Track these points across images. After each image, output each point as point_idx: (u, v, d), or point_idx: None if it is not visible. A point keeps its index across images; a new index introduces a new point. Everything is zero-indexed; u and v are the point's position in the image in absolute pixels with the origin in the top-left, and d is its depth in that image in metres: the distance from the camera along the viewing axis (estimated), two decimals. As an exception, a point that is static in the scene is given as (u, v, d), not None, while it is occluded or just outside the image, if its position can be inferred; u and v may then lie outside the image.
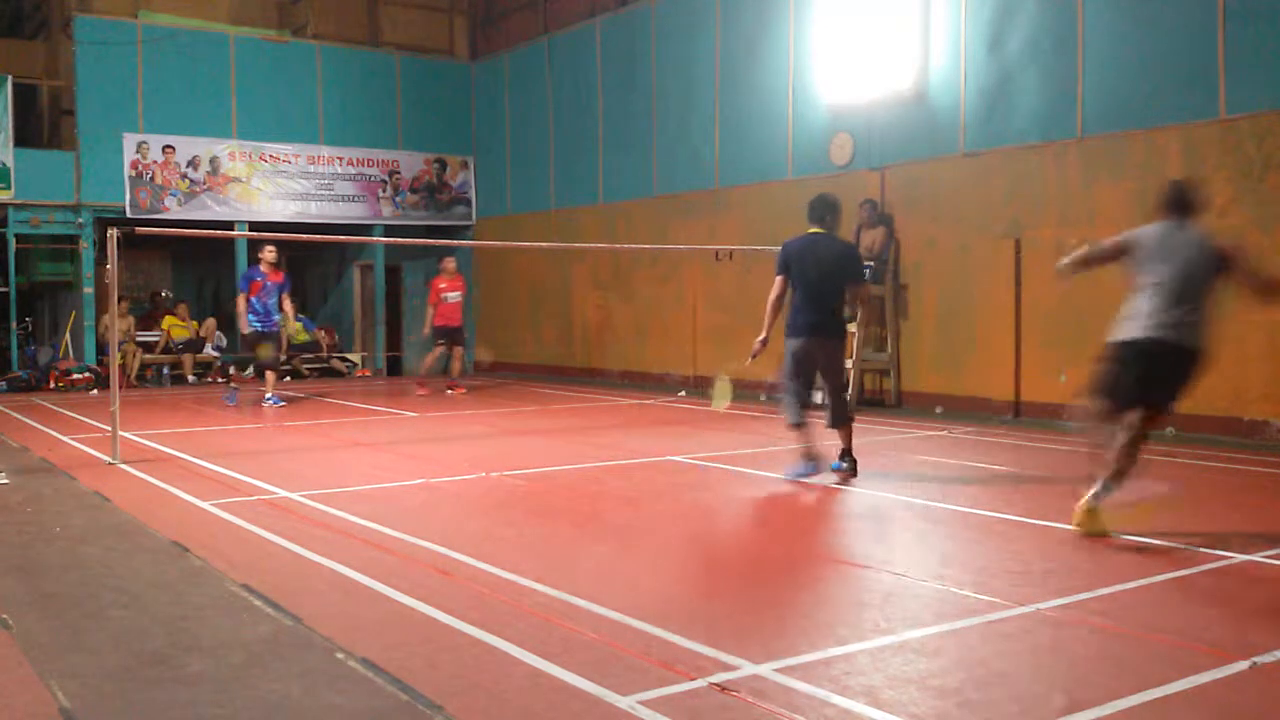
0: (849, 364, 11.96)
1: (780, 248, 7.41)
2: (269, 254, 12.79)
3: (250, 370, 14.69)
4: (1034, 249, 10.77)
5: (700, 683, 3.46)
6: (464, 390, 14.32)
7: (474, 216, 19.13)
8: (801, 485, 7.17)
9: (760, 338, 7.29)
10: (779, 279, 7.26)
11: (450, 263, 14.50)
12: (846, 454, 7.33)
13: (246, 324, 12.70)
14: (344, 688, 3.46)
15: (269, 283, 12.65)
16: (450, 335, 14.50)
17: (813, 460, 7.19)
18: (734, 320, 14.14)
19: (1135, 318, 5.64)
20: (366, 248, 18.48)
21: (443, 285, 14.35)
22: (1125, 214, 10.04)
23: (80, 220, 15.86)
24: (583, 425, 10.97)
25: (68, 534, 5.79)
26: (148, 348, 16.51)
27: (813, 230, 7.40)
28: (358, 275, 19.31)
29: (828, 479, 7.21)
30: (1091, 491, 5.48)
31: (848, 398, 7.48)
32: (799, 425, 7.17)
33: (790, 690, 3.40)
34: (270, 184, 17.20)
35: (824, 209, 7.45)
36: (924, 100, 11.76)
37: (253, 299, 12.61)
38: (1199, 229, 5.76)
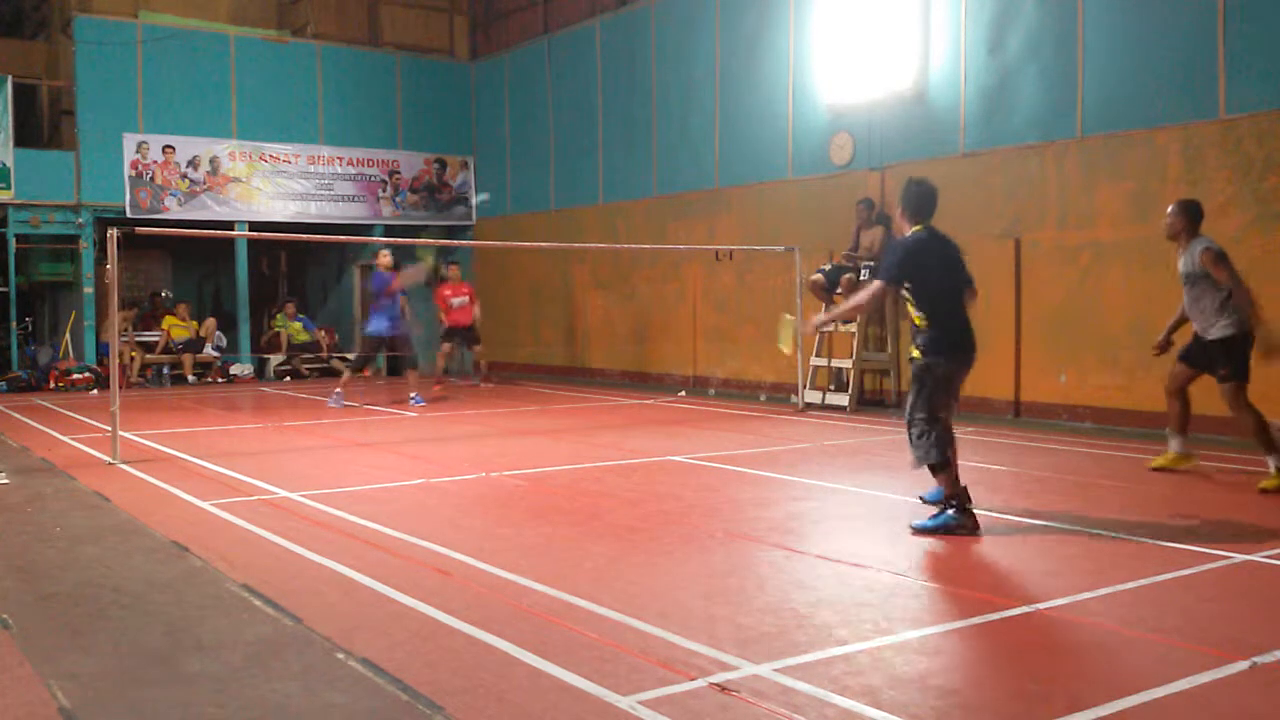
0: (849, 364, 11.99)
1: (897, 248, 6.10)
2: (386, 258, 12.56)
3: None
4: (1034, 249, 10.77)
5: (700, 683, 3.46)
6: (491, 385, 15.40)
7: (474, 216, 19.13)
8: (801, 487, 7.17)
9: (819, 320, 6.83)
10: (880, 285, 6.04)
11: (454, 270, 15.42)
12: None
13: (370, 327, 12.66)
14: (344, 688, 3.46)
15: (395, 287, 12.51)
16: (462, 335, 15.16)
17: (967, 506, 5.74)
18: (734, 320, 14.14)
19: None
20: (366, 248, 18.46)
21: (447, 293, 15.07)
22: (1125, 214, 10.05)
23: (80, 220, 15.86)
24: (583, 425, 10.96)
25: (68, 534, 5.79)
26: (148, 348, 16.52)
27: (923, 227, 6.00)
28: (358, 275, 19.29)
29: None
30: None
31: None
32: (947, 464, 5.77)
33: (790, 690, 3.40)
34: (270, 184, 17.20)
35: (933, 201, 6.04)
36: (924, 100, 11.76)
37: (385, 300, 12.45)
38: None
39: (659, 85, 15.27)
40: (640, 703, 3.28)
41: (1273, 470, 6.92)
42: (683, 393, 14.19)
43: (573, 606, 4.31)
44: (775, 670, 3.57)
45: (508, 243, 18.03)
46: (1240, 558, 5.11)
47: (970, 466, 7.93)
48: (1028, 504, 6.47)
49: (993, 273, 11.08)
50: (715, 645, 3.81)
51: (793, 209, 13.19)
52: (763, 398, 13.28)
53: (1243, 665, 3.61)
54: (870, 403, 12.20)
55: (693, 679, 3.48)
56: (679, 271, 14.98)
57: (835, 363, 12.26)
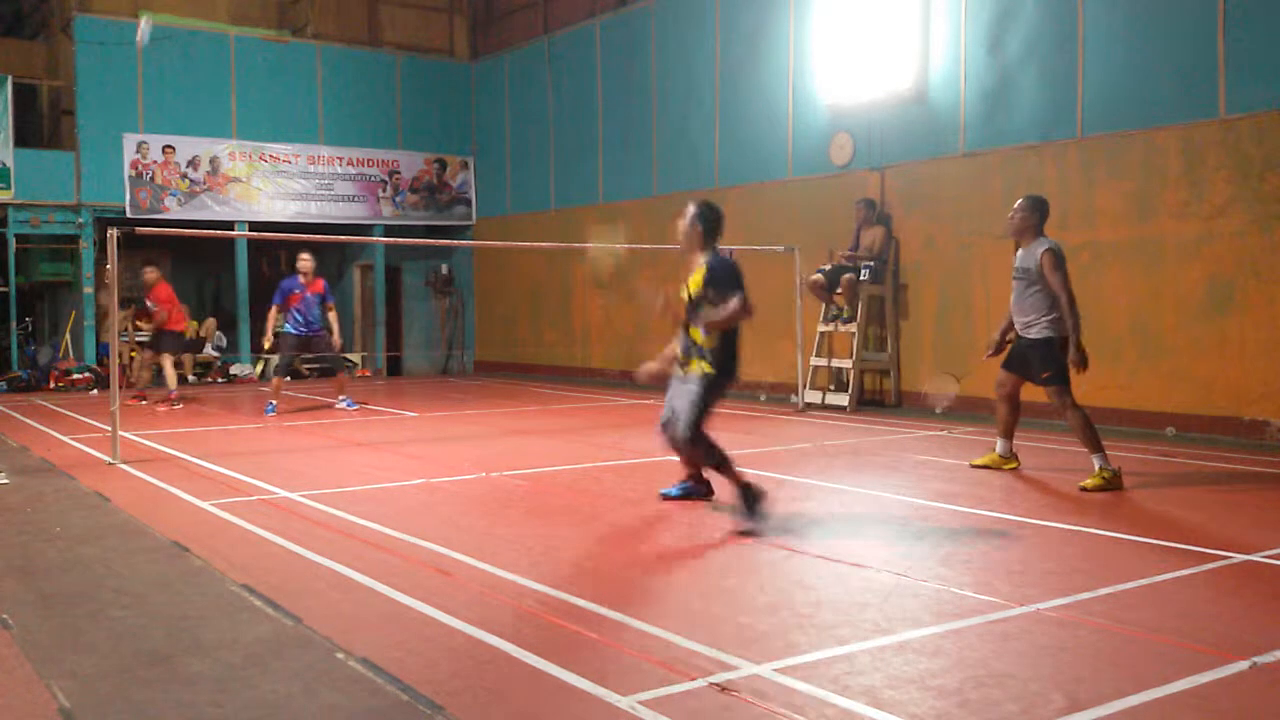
0: (849, 364, 11.98)
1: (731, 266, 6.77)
2: (304, 263, 12.15)
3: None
4: (1034, 249, 10.76)
5: (700, 683, 3.45)
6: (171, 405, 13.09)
7: (474, 216, 19.13)
8: (801, 487, 7.16)
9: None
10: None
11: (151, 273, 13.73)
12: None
13: (271, 333, 12.19)
14: (344, 688, 3.45)
15: (308, 294, 12.07)
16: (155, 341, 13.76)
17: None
18: (734, 320, 14.13)
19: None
20: (366, 248, 18.48)
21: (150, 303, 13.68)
22: (1125, 214, 10.06)
23: (80, 220, 15.86)
24: (583, 425, 10.96)
25: (68, 534, 5.78)
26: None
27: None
28: (358, 275, 19.31)
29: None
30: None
31: None
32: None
33: (790, 690, 3.40)
34: (270, 184, 17.21)
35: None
36: (924, 100, 11.76)
37: (292, 309, 12.03)
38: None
39: (659, 85, 15.27)
40: (640, 703, 3.28)
41: (1096, 469, 6.92)
42: (683, 393, 14.16)
43: (573, 606, 4.31)
44: (775, 670, 3.57)
45: (508, 243, 18.04)
46: (1240, 558, 5.11)
47: (970, 467, 7.93)
48: (1028, 504, 6.47)
49: (993, 273, 11.08)
50: (715, 645, 3.81)
51: (793, 209, 13.19)
52: (763, 398, 13.28)
53: (1243, 665, 3.61)
54: (870, 403, 12.20)
55: (693, 679, 3.48)
56: (679, 272, 14.94)
57: (835, 363, 12.26)
